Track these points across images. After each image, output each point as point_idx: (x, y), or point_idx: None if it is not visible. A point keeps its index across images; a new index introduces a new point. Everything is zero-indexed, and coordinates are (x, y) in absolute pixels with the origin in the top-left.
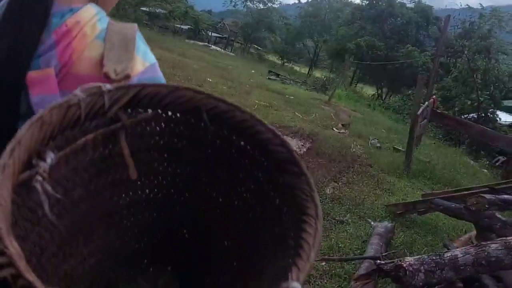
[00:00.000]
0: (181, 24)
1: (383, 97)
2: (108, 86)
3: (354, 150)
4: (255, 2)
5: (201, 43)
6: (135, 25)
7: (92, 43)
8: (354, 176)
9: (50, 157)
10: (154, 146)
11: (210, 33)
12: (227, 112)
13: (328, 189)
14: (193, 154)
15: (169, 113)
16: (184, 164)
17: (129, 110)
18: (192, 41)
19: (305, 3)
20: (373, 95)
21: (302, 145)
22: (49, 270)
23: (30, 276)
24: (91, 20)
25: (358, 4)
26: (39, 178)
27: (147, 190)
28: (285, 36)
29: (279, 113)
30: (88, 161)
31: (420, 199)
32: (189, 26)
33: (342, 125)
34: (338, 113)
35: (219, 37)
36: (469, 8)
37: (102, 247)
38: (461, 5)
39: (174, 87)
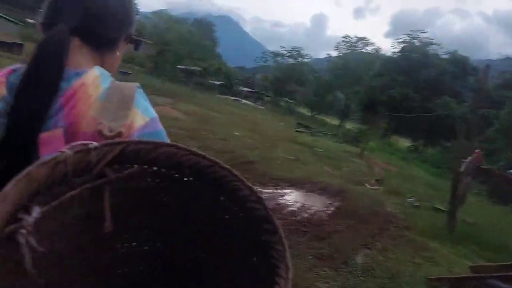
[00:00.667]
0: (214, 80)
1: (419, 149)
2: (94, 144)
3: (389, 209)
4: (285, 57)
5: (232, 98)
6: (136, 84)
7: (95, 103)
8: (389, 241)
9: (36, 212)
10: (140, 200)
11: (241, 88)
12: (208, 168)
13: (359, 258)
14: (177, 207)
15: (155, 168)
16: (168, 217)
17: (115, 166)
18: (224, 96)
19: (335, 57)
20: (408, 147)
21: (330, 204)
22: None
23: None
24: (94, 82)
25: (390, 56)
26: (23, 231)
27: (134, 243)
28: (315, 89)
29: (306, 167)
30: (75, 217)
31: (469, 274)
32: (221, 82)
33: (376, 180)
34: (370, 167)
35: (250, 91)
36: (508, 58)
37: None
38: (499, 56)
39: (157, 144)
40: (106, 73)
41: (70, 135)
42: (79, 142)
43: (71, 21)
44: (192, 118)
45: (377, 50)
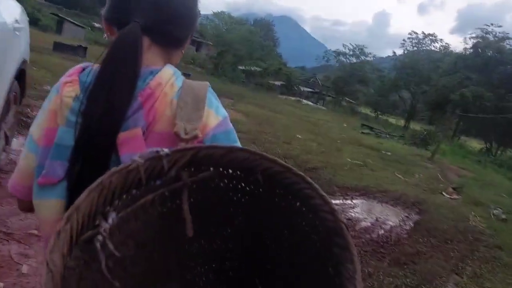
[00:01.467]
0: (274, 81)
1: (494, 152)
2: (166, 151)
3: (473, 223)
4: (347, 57)
5: (293, 98)
6: (207, 84)
7: (171, 102)
8: (482, 266)
9: (112, 217)
10: (217, 200)
11: (302, 88)
12: (280, 174)
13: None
14: (252, 208)
15: (230, 170)
16: (243, 217)
17: (192, 169)
18: (284, 97)
19: (400, 55)
20: (481, 149)
21: (407, 217)
22: None
23: None
24: (170, 80)
25: (461, 52)
26: (100, 237)
27: (212, 244)
28: (378, 88)
29: (376, 174)
30: (150, 219)
31: None
32: (282, 82)
33: (453, 188)
34: (445, 173)
35: (311, 91)
36: None
37: None
38: None
39: (229, 149)
40: (178, 71)
41: (148, 134)
42: (150, 150)
43: (142, 20)
44: (253, 119)
45: (445, 47)
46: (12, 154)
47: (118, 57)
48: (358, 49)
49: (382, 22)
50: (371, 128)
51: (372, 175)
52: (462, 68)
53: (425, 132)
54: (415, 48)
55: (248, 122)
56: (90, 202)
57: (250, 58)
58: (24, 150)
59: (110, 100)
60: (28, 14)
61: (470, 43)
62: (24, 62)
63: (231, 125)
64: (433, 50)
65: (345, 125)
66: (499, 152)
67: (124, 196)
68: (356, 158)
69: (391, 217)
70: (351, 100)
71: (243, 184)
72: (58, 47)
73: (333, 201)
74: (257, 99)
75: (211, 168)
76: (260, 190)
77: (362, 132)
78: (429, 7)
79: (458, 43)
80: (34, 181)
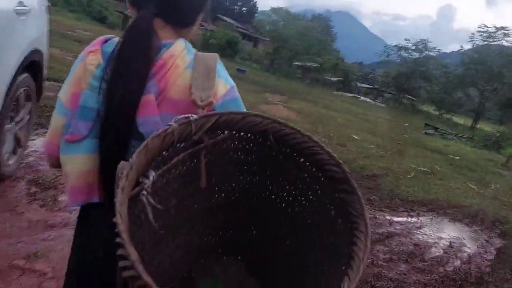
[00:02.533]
0: (331, 76)
1: None
2: (194, 117)
3: None
4: (410, 51)
5: (349, 95)
6: (216, 55)
7: (184, 72)
8: None
9: (152, 175)
10: (229, 160)
11: (359, 85)
12: (289, 135)
13: None
14: (261, 166)
15: (242, 133)
16: (253, 175)
17: (209, 133)
18: (340, 93)
19: (468, 49)
20: None
21: (488, 242)
22: (147, 262)
23: (147, 278)
24: (181, 53)
25: None
26: (144, 192)
27: (223, 195)
28: (443, 85)
29: (445, 184)
30: (177, 176)
31: None
32: (338, 78)
33: None
34: None
35: (369, 88)
36: None
37: (186, 243)
38: None
39: (245, 114)
40: (190, 44)
41: (160, 100)
42: (182, 116)
43: (154, 4)
44: (305, 117)
45: None
46: (30, 156)
47: (134, 37)
48: (422, 43)
49: (447, 16)
50: (435, 128)
51: (441, 185)
52: None
53: (498, 134)
54: (485, 43)
55: (300, 121)
56: (140, 161)
57: (306, 54)
58: (54, 112)
59: (132, 72)
60: (97, 13)
61: None
62: (36, 52)
63: (238, 94)
64: (506, 46)
65: (407, 125)
66: None
67: (160, 158)
68: (422, 164)
69: (468, 242)
70: (412, 97)
71: (252, 145)
72: None
73: (396, 219)
74: (312, 95)
75: (226, 132)
76: (268, 151)
77: (426, 133)
78: (498, 0)
79: None
80: (61, 139)
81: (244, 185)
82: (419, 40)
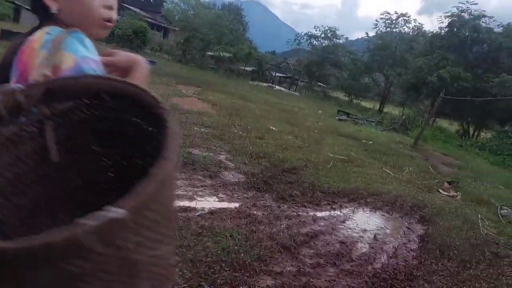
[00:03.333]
0: (245, 66)
1: (471, 134)
2: (19, 85)
3: (485, 231)
4: (320, 39)
5: (265, 84)
6: (72, 30)
7: (38, 53)
8: None
9: None
10: (87, 130)
11: (274, 74)
12: (120, 88)
13: None
14: (101, 126)
15: (86, 101)
16: (100, 136)
17: (55, 104)
18: (256, 83)
19: (373, 36)
20: (457, 132)
21: (409, 230)
22: None
23: None
24: (39, 36)
25: (436, 32)
26: None
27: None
28: (351, 72)
29: (363, 171)
30: (29, 150)
31: None
32: (252, 68)
33: (448, 183)
34: (433, 163)
35: (283, 76)
36: None
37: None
38: None
39: (77, 77)
40: (58, 29)
41: (22, 82)
42: (4, 85)
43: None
44: (221, 110)
45: (418, 28)
46: None
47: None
48: (330, 31)
49: (351, 5)
50: (347, 114)
51: (359, 172)
52: (438, 49)
53: (403, 117)
54: (388, 29)
55: (215, 114)
56: None
57: (218, 43)
58: None
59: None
60: None
61: (445, 22)
62: None
63: (90, 64)
64: (406, 32)
65: (320, 112)
66: (475, 133)
67: None
68: (339, 151)
69: (391, 232)
70: (323, 85)
71: (103, 110)
72: (7, 35)
73: (319, 214)
74: (227, 86)
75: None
76: (110, 110)
77: (339, 119)
78: None
79: (427, 25)
80: None
81: (88, 145)
82: (327, 28)
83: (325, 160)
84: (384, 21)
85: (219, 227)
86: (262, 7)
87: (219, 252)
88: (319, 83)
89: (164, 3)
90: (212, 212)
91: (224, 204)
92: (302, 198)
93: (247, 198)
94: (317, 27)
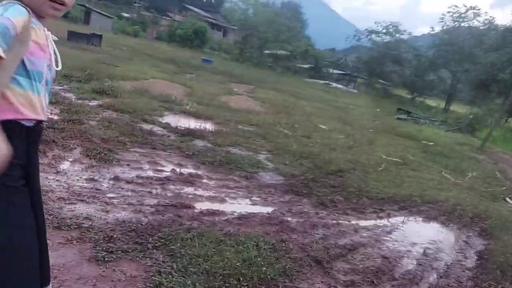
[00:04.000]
0: (302, 64)
1: None
2: None
3: None
4: (380, 35)
5: (321, 82)
6: (13, 1)
7: None
8: None
9: None
10: None
11: (331, 71)
12: None
13: None
14: None
15: None
16: None
17: None
18: (312, 80)
19: (439, 31)
20: None
21: (467, 244)
22: None
23: None
24: None
25: (510, 25)
26: None
27: None
28: (415, 68)
29: (419, 175)
30: None
31: None
32: (310, 65)
33: None
34: (502, 168)
35: (341, 74)
36: None
37: None
38: None
39: None
40: (10, 2)
41: None
42: None
43: None
44: (270, 108)
45: (490, 21)
46: None
47: None
48: (392, 26)
49: (415, 0)
50: (408, 113)
51: (414, 177)
52: (511, 43)
53: (471, 116)
54: (456, 24)
55: (264, 112)
56: None
57: (276, 41)
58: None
59: None
60: None
61: None
62: None
63: (5, 21)
64: (475, 27)
65: (378, 110)
66: None
67: None
68: (393, 153)
69: (445, 246)
70: (384, 82)
71: None
72: (73, 36)
73: (363, 224)
74: (281, 84)
75: None
76: None
77: (398, 118)
78: None
79: (499, 18)
80: None
81: None
82: (389, 23)
83: (376, 162)
84: (452, 15)
85: (245, 234)
86: (322, 4)
87: (239, 264)
88: (380, 80)
89: (224, 3)
90: (241, 217)
91: (256, 208)
92: (345, 205)
93: (283, 202)
94: (378, 22)
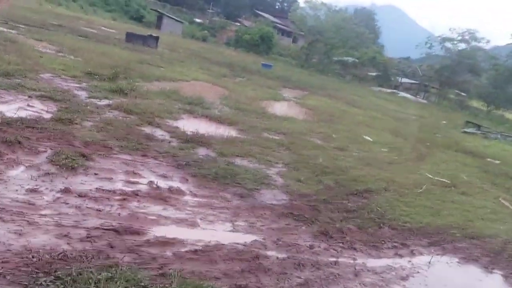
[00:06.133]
0: (369, 71)
1: None
2: None
3: None
4: (455, 42)
5: (388, 90)
6: None
7: None
8: None
9: None
10: None
11: (400, 79)
12: None
13: None
14: None
15: None
16: None
17: None
18: (378, 88)
19: None
20: None
21: None
22: None
23: None
24: None
25: None
26: None
27: None
28: (493, 79)
29: (468, 201)
30: None
31: None
32: (377, 73)
33: None
34: None
35: (412, 83)
36: None
37: None
38: None
39: None
40: None
41: None
42: None
43: None
44: (314, 115)
45: None
46: None
47: None
48: (469, 33)
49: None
50: (478, 127)
51: (460, 203)
52: None
53: None
54: None
55: (303, 119)
56: None
57: (342, 47)
58: None
59: None
60: (134, 12)
61: None
62: None
63: None
64: None
65: (444, 122)
66: None
67: None
68: (443, 172)
69: None
70: (460, 92)
71: None
72: (130, 37)
73: (371, 263)
74: (341, 91)
75: None
76: None
77: (465, 131)
78: None
79: None
80: None
81: None
82: (465, 30)
83: (417, 182)
84: None
85: (187, 276)
86: (398, 11)
87: None
88: (456, 91)
89: (295, 10)
90: (202, 249)
91: (233, 237)
92: (356, 235)
93: (273, 230)
94: (453, 29)
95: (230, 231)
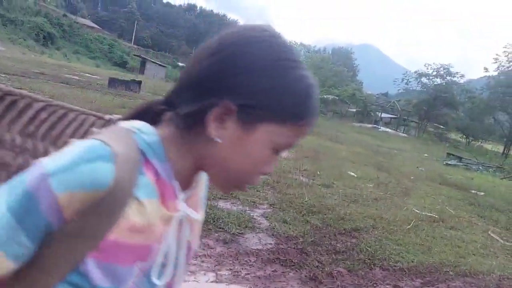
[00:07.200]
0: (349, 108)
1: None
2: None
3: None
4: (431, 78)
5: (369, 126)
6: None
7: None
8: None
9: None
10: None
11: (379, 114)
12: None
13: None
14: None
15: None
16: None
17: None
18: (359, 124)
19: (496, 70)
20: None
21: None
22: None
23: None
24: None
25: None
26: None
27: None
28: (469, 111)
29: (458, 236)
30: None
31: None
32: (357, 109)
33: None
34: None
35: (391, 117)
36: None
37: None
38: None
39: None
40: (146, 135)
41: None
42: None
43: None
44: (296, 152)
45: None
46: None
47: None
48: (444, 68)
49: (470, 41)
50: (459, 159)
51: (450, 238)
52: None
53: None
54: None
55: (286, 157)
56: None
57: (322, 86)
58: None
59: None
60: (118, 58)
61: None
62: None
63: (34, 183)
64: None
65: (426, 155)
66: None
67: None
68: (430, 206)
69: None
70: (439, 125)
71: None
72: (113, 82)
73: None
74: (323, 127)
75: None
76: None
77: (447, 164)
78: None
79: None
80: None
81: None
82: (439, 66)
83: (404, 218)
84: (507, 55)
85: None
86: (375, 49)
87: None
88: (435, 124)
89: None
90: None
91: None
92: (346, 279)
93: (259, 278)
94: (428, 64)
95: (213, 281)
